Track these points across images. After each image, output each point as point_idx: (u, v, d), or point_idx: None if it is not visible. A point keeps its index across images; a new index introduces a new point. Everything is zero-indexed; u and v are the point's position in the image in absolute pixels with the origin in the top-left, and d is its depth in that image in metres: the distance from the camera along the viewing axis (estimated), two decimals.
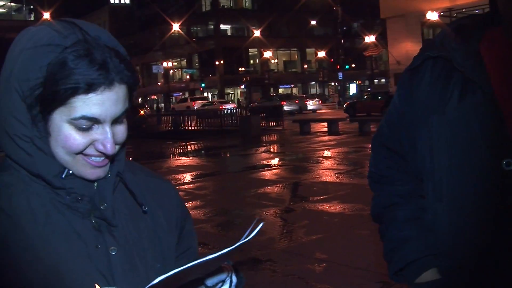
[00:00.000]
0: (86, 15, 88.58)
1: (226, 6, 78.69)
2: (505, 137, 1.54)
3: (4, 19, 68.76)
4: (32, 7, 72.06)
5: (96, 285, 1.05)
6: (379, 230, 1.94)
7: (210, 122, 32.20)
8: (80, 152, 1.20)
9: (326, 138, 23.44)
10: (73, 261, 1.19)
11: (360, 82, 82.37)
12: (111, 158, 1.27)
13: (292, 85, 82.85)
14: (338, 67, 60.78)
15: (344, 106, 42.17)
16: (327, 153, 17.79)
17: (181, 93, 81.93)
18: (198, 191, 11.91)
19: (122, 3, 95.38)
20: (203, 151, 22.15)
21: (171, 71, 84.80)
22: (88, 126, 1.18)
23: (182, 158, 19.57)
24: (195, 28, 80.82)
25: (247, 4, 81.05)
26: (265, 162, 16.50)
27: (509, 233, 1.53)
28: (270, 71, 75.46)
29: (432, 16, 35.50)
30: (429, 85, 1.70)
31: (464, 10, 32.69)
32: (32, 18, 69.56)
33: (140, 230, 1.35)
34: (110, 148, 1.20)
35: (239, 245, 1.12)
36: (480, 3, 27.86)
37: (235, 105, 52.00)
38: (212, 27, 77.51)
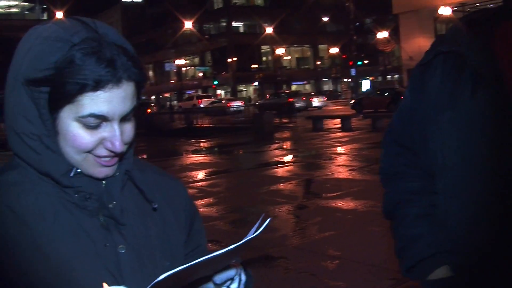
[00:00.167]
0: (99, 13, 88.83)
1: (238, 3, 78.68)
2: None
3: (17, 19, 69.11)
4: (45, 6, 72.48)
5: (104, 284, 1.04)
6: (391, 226, 1.92)
7: (222, 119, 32.28)
8: (90, 151, 1.20)
9: (339, 134, 23.39)
10: (81, 259, 1.19)
11: (373, 78, 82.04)
12: (120, 157, 1.26)
13: (305, 82, 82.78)
14: (351, 63, 60.58)
15: (351, 102, 42.10)
16: (340, 149, 17.76)
17: (193, 91, 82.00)
18: (211, 189, 11.91)
19: (134, 1, 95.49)
20: (216, 149, 22.17)
21: (184, 68, 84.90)
22: (96, 124, 1.17)
23: (195, 155, 19.60)
24: (207, 25, 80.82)
25: (259, 1, 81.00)
26: (278, 159, 16.49)
27: None
28: (282, 68, 75.47)
29: (445, 11, 35.26)
30: (440, 80, 1.68)
31: (477, 4, 32.44)
32: (45, 17, 69.94)
33: (149, 228, 1.34)
34: (118, 146, 1.19)
35: (246, 241, 1.11)
36: None
37: (242, 102, 52.14)
38: (224, 24, 77.52)
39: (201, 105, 53.84)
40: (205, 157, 18.82)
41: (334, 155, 16.33)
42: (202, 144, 23.92)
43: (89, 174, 1.24)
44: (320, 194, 10.44)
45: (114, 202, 1.27)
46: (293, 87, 77.25)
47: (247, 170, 14.99)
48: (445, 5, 35.13)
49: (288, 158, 16.94)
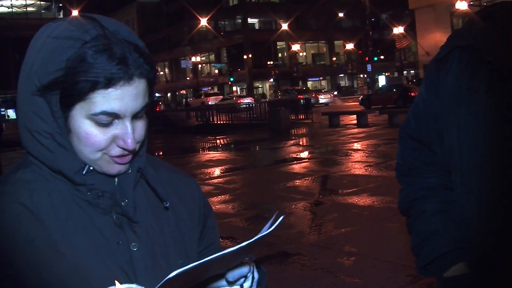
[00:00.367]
0: (114, 11, 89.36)
1: (253, 0, 78.61)
2: None
3: (34, 18, 69.57)
4: (61, 5, 72.95)
5: (116, 282, 1.04)
6: (407, 223, 1.91)
7: (237, 116, 32.34)
8: (103, 150, 1.20)
9: (356, 130, 23.33)
10: (94, 257, 1.19)
11: (389, 74, 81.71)
12: (133, 154, 1.26)
13: (321, 78, 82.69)
14: (367, 59, 60.35)
15: (360, 98, 42.25)
16: (356, 145, 17.70)
17: (209, 88, 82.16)
18: (227, 185, 11.93)
19: None
20: (232, 145, 22.20)
21: (200, 65, 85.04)
22: (108, 122, 1.17)
23: (211, 152, 19.64)
24: (223, 22, 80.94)
25: None
26: (294, 156, 16.47)
27: None
28: (298, 64, 75.38)
29: (462, 5, 35.08)
30: (456, 75, 1.66)
31: None
32: (61, 16, 70.31)
33: (162, 226, 1.34)
34: (130, 143, 1.19)
35: (258, 238, 1.10)
36: None
37: (252, 99, 52.36)
38: (240, 21, 77.53)
39: (209, 103, 54.20)
40: (221, 154, 18.84)
41: (351, 151, 16.29)
42: (218, 141, 23.95)
43: (102, 172, 1.24)
44: (337, 190, 10.42)
45: (126, 200, 1.26)
46: (309, 83, 77.19)
47: (264, 166, 15.00)
48: None
49: (305, 154, 16.93)
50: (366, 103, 37.95)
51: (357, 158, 14.69)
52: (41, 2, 78.19)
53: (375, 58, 63.56)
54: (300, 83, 74.41)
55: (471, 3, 35.03)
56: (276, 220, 1.14)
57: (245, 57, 73.75)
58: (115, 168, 1.24)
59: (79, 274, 1.16)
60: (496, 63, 1.55)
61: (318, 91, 56.88)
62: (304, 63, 78.87)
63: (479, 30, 1.63)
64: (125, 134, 1.19)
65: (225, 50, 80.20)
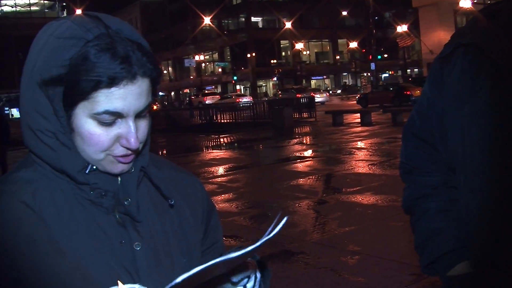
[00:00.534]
0: (118, 10, 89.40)
1: None
2: None
3: (38, 17, 69.68)
4: (64, 4, 73.04)
5: (119, 282, 1.04)
6: (411, 221, 1.90)
7: (241, 115, 32.37)
8: (107, 151, 1.19)
9: (359, 129, 23.33)
10: (97, 256, 1.18)
11: (392, 72, 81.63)
12: (136, 153, 1.26)
13: (325, 77, 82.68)
14: (370, 57, 60.22)
15: (357, 97, 42.44)
16: (360, 144, 17.69)
17: (213, 86, 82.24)
18: (230, 184, 11.93)
19: None
20: (235, 144, 22.20)
21: (203, 64, 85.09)
22: (111, 121, 1.17)
23: (215, 151, 19.64)
24: (226, 21, 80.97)
25: None
26: (298, 154, 16.47)
27: None
28: (302, 63, 75.36)
29: (465, 3, 35.05)
30: (460, 73, 1.65)
31: None
32: (65, 15, 70.39)
33: (165, 225, 1.33)
34: (133, 142, 1.18)
35: (263, 242, 1.10)
36: None
37: (251, 98, 52.49)
38: (243, 19, 77.57)
39: (207, 102, 54.57)
40: (225, 153, 18.84)
41: (354, 150, 16.28)
42: (221, 140, 23.95)
43: (106, 171, 1.23)
44: (340, 189, 10.42)
45: (129, 199, 1.26)
46: (313, 82, 77.20)
47: (267, 165, 15.00)
48: None
49: (308, 153, 16.92)
50: (363, 102, 38.25)
51: (361, 157, 14.69)
52: (45, 1, 78.37)
53: (379, 57, 63.47)
54: (304, 81, 74.38)
55: (475, 1, 34.98)
56: (280, 221, 1.13)
57: (248, 55, 73.78)
58: (118, 168, 1.23)
59: (82, 273, 1.16)
60: (500, 61, 1.54)
61: (316, 90, 57.22)
62: (307, 62, 78.87)
63: (483, 28, 1.62)
64: (128, 134, 1.18)
65: (228, 49, 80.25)
